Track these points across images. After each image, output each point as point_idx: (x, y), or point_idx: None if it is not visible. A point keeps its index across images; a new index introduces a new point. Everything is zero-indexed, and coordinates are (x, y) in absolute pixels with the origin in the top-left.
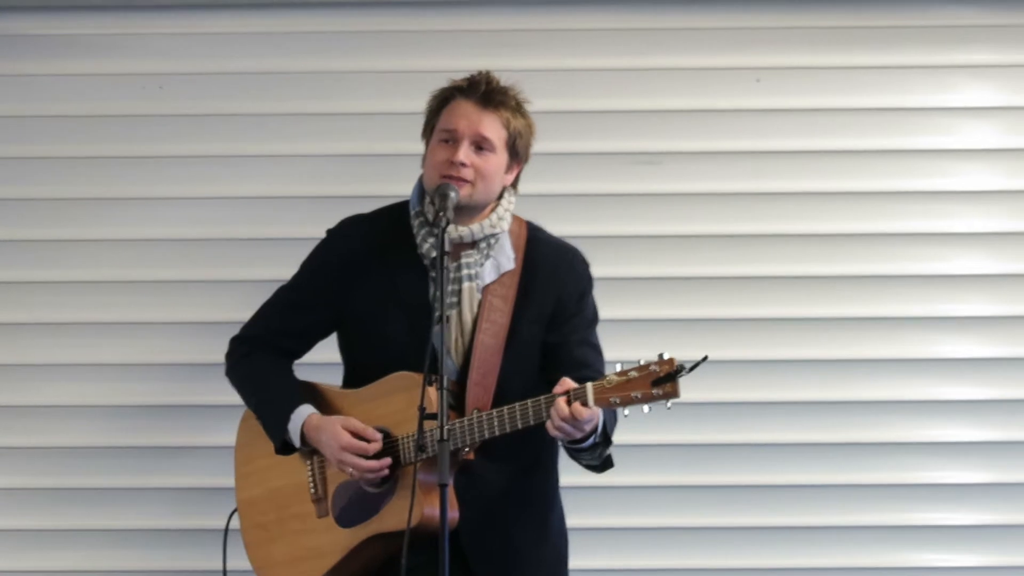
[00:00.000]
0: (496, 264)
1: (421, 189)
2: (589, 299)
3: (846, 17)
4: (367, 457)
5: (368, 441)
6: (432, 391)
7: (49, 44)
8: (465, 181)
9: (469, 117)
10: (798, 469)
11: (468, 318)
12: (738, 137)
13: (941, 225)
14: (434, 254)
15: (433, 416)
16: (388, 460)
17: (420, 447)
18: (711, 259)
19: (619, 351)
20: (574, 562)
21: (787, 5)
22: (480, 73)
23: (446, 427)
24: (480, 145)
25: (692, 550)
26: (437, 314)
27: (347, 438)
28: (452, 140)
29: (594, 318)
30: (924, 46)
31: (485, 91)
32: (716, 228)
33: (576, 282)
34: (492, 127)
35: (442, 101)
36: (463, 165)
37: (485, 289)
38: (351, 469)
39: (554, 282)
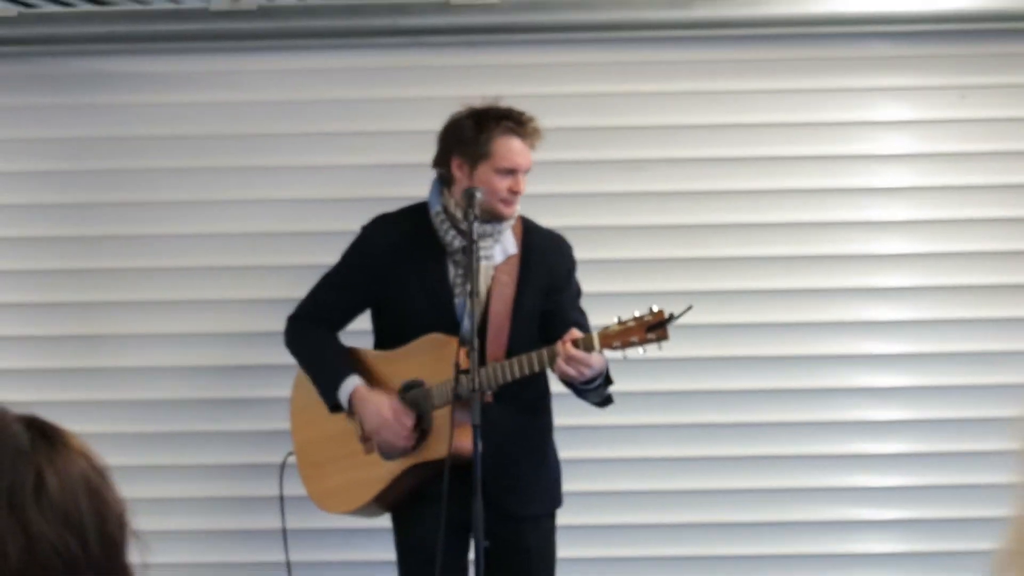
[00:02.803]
0: (503, 249)
1: (439, 192)
2: (575, 276)
3: (790, 51)
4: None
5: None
6: (465, 352)
7: (145, 80)
8: (515, 205)
9: (524, 155)
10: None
11: (483, 291)
12: (707, 147)
13: (867, 215)
14: (457, 244)
15: (465, 372)
16: (413, 440)
17: (457, 395)
18: (684, 244)
19: (611, 317)
20: (566, 486)
21: (745, 41)
22: (515, 110)
23: (478, 379)
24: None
25: (663, 476)
26: (469, 289)
27: (389, 415)
28: (512, 173)
29: (579, 291)
30: (846, 72)
31: (532, 128)
32: (689, 220)
33: (564, 262)
34: (530, 158)
35: (492, 132)
36: (519, 193)
37: (495, 268)
38: (384, 437)
39: (547, 262)
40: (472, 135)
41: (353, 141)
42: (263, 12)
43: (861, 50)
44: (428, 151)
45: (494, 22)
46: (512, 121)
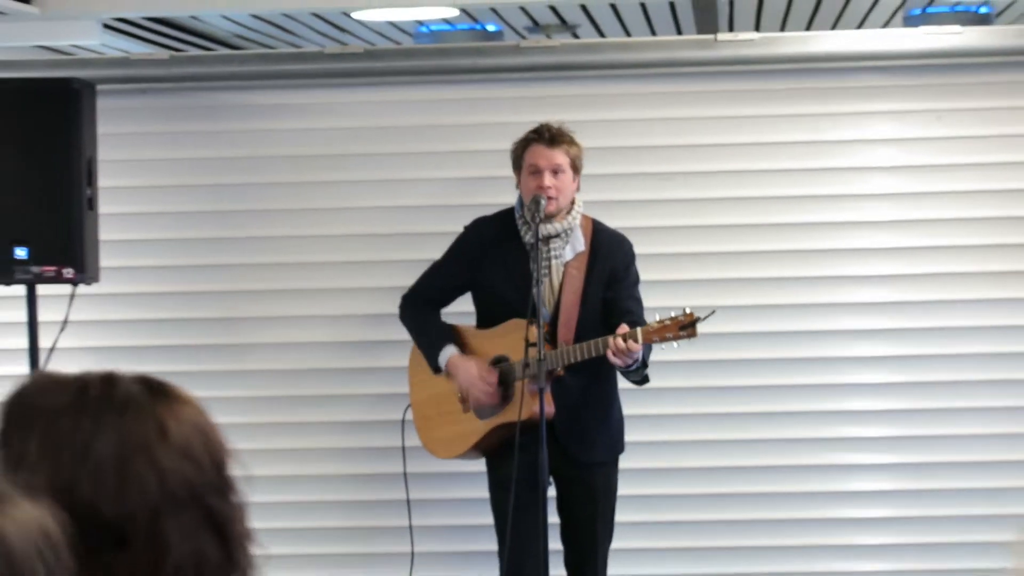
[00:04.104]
0: (573, 248)
1: (521, 201)
2: (633, 268)
3: (795, 82)
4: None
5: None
6: (534, 329)
7: (273, 109)
8: (551, 198)
9: (545, 156)
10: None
11: (555, 284)
12: (725, 161)
13: (859, 216)
14: (527, 238)
15: (535, 345)
16: (498, 397)
17: (526, 365)
18: (705, 240)
19: (652, 301)
20: (628, 437)
21: (759, 75)
22: (543, 124)
23: (543, 352)
24: (555, 171)
25: (703, 427)
26: (535, 280)
27: (476, 374)
28: (537, 172)
29: (637, 280)
30: (842, 99)
31: (549, 135)
32: (710, 221)
33: (624, 257)
34: (560, 157)
35: (523, 146)
36: (548, 187)
37: (566, 264)
38: (474, 394)
39: (610, 258)
40: (514, 149)
41: (444, 159)
42: (368, 54)
43: (854, 81)
44: (504, 167)
45: (556, 61)
46: (534, 132)
